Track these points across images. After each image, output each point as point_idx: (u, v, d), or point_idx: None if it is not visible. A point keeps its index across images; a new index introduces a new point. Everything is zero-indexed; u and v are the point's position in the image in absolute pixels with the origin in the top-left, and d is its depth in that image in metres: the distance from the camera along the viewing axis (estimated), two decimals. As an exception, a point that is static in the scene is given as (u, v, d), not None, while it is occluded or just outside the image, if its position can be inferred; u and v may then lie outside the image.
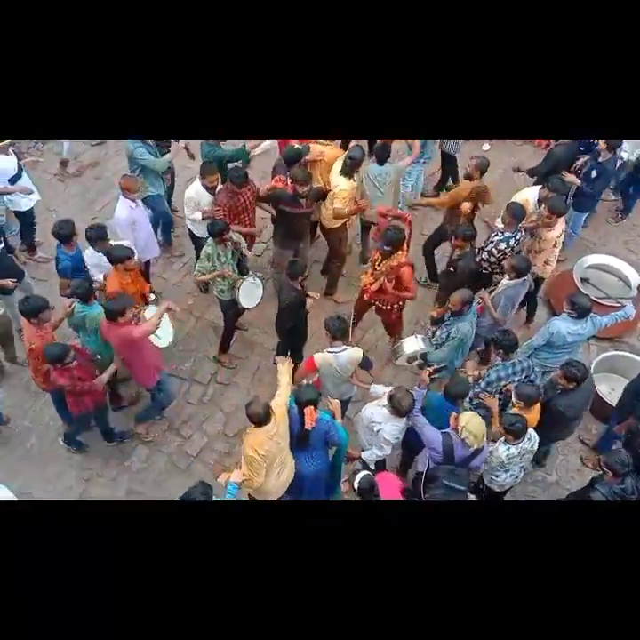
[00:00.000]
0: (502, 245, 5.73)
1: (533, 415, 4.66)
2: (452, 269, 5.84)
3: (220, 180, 6.05)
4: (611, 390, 5.86)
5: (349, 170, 6.05)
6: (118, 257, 5.27)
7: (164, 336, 5.48)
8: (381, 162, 6.20)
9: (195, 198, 6.02)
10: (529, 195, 6.13)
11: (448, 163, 7.54)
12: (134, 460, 5.77)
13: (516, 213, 5.67)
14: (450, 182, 7.64)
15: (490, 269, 5.85)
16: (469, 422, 4.38)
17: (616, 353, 6.18)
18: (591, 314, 5.16)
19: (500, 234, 5.79)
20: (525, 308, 6.45)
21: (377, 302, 5.89)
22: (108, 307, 4.86)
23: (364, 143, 7.16)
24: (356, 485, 4.20)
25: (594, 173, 6.49)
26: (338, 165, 6.13)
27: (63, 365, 4.76)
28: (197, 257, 6.10)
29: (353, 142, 6.59)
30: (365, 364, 5.03)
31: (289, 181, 5.95)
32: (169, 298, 6.14)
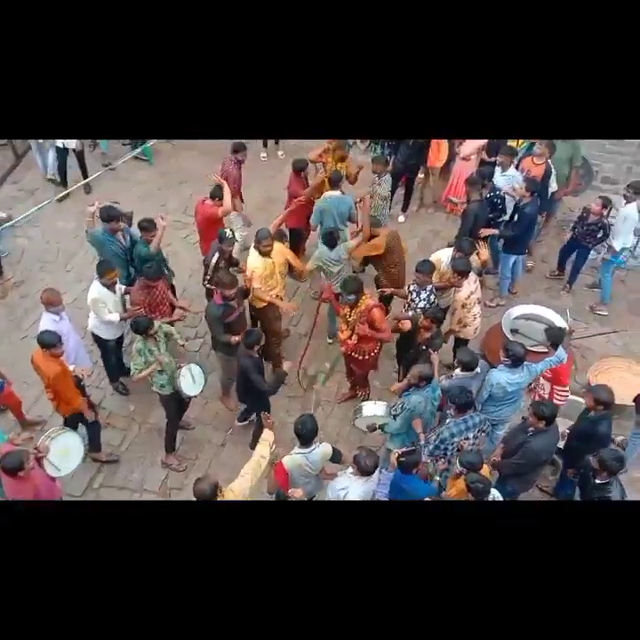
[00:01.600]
0: (422, 303, 6.05)
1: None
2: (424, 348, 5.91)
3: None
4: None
5: (264, 250, 6.21)
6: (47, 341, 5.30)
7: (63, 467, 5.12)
8: (332, 247, 6.45)
9: (100, 299, 5.99)
10: (441, 255, 6.51)
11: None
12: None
13: (423, 269, 5.97)
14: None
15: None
16: None
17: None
18: (526, 362, 5.33)
19: (416, 294, 6.07)
20: None
21: (355, 354, 6.07)
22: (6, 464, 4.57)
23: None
24: None
25: (515, 217, 7.09)
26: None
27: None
28: (105, 360, 6.44)
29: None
30: (335, 457, 4.95)
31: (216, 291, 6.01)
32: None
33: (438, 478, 5.25)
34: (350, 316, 5.97)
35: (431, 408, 5.37)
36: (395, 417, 5.38)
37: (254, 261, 6.24)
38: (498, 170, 7.44)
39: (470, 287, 6.14)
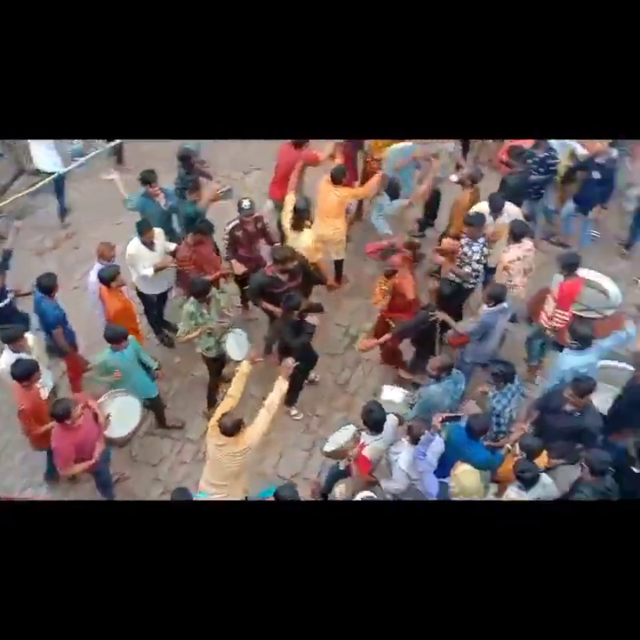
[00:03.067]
0: (477, 256, 5.98)
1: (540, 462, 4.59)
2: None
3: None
4: (600, 400, 5.76)
5: (299, 223, 6.24)
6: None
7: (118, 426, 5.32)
8: (393, 197, 6.57)
9: (137, 255, 6.11)
10: (483, 207, 6.33)
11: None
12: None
13: (474, 221, 5.91)
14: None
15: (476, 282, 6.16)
16: (463, 474, 4.38)
17: (607, 363, 6.10)
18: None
19: (468, 247, 5.99)
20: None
21: (391, 320, 6.04)
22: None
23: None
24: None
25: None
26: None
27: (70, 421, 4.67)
28: (148, 316, 6.53)
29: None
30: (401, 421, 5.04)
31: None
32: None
33: (509, 446, 5.01)
34: (385, 285, 5.97)
35: (450, 402, 5.18)
36: (411, 406, 5.30)
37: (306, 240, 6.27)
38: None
39: (517, 252, 5.93)
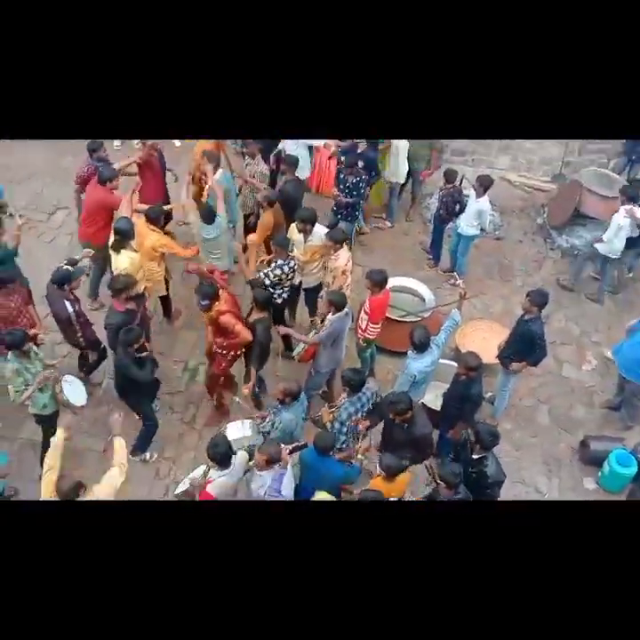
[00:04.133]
0: (277, 271, 6.13)
1: (398, 486, 4.80)
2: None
3: None
4: (435, 396, 6.30)
5: (120, 245, 6.06)
6: None
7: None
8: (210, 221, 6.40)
9: None
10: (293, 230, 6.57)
11: None
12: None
13: (280, 243, 6.16)
14: None
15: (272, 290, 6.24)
16: None
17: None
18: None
19: (280, 268, 6.16)
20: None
21: (214, 345, 5.92)
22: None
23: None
24: None
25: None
26: None
27: None
28: None
29: None
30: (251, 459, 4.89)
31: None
32: None
33: (362, 457, 5.22)
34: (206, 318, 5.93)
35: (301, 423, 5.32)
36: (264, 435, 5.24)
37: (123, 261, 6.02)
38: None
39: (347, 254, 6.29)
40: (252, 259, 6.40)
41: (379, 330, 6.22)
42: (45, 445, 5.67)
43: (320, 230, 6.53)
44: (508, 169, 9.34)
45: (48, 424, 5.61)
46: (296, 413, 5.17)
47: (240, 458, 4.77)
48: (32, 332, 5.63)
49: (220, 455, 4.55)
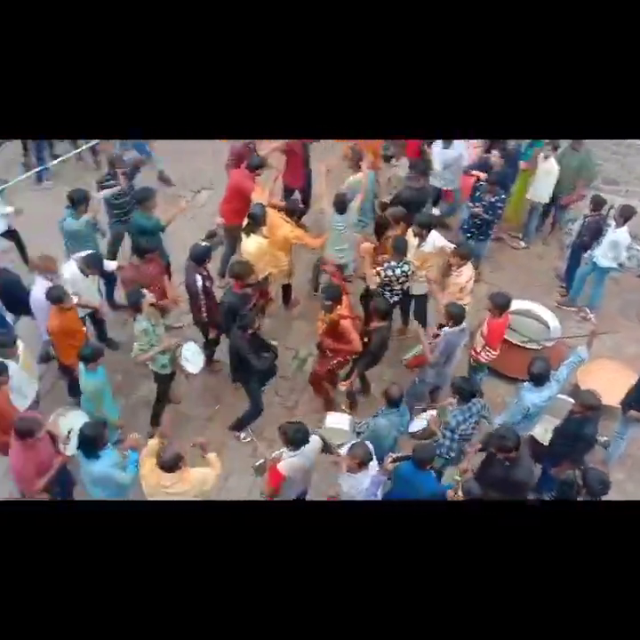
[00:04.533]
0: (389, 272, 6.08)
1: None
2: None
3: None
4: (544, 430, 5.98)
5: (251, 229, 6.25)
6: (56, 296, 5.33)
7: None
8: (341, 211, 6.50)
9: (68, 280, 5.83)
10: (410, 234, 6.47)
11: None
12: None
13: (398, 245, 6.07)
14: None
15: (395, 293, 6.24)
16: None
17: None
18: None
19: (391, 270, 6.11)
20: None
21: (323, 344, 5.97)
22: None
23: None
24: None
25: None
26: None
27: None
28: None
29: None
30: (326, 448, 4.97)
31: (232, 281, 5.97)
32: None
33: (458, 478, 5.01)
34: (324, 318, 5.94)
35: (396, 434, 5.18)
36: (358, 434, 5.24)
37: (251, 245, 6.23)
38: None
39: (470, 273, 6.13)
40: (368, 263, 6.28)
41: (495, 356, 5.98)
42: (158, 403, 6.09)
43: (436, 240, 6.40)
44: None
45: (163, 384, 5.98)
46: (391, 421, 5.10)
47: (313, 442, 4.81)
48: (162, 301, 6.01)
49: (297, 438, 4.65)
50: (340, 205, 6.51)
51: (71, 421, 5.10)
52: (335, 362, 6.01)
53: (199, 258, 5.95)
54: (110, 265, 6.39)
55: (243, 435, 6.27)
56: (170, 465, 4.35)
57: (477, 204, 7.11)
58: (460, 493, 4.55)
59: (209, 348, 6.49)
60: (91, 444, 4.51)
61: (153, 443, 4.74)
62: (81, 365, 5.19)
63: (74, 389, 5.69)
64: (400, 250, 6.11)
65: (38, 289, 5.67)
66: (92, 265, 5.90)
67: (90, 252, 6.05)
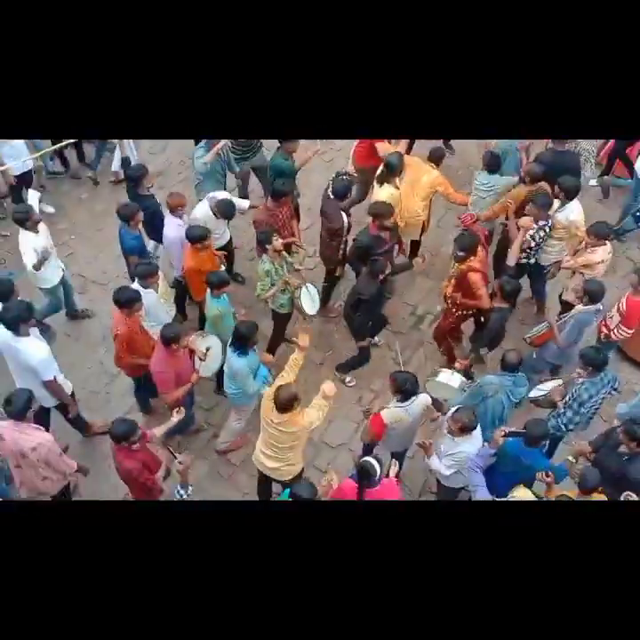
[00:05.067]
0: (541, 232, 5.83)
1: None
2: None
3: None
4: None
5: (385, 178, 6.08)
6: (196, 236, 5.50)
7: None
8: (492, 170, 6.25)
9: (200, 220, 5.95)
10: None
11: None
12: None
13: (542, 203, 5.71)
14: None
15: (531, 255, 5.99)
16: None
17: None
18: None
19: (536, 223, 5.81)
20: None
21: (448, 302, 5.90)
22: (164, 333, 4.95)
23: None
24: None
25: None
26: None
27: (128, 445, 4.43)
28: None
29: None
30: (435, 404, 4.97)
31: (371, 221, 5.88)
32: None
33: (572, 459, 4.76)
34: (453, 269, 5.81)
35: (504, 400, 4.90)
36: (464, 391, 5.12)
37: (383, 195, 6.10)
38: None
39: (605, 253, 5.71)
40: (519, 239, 5.90)
41: (629, 335, 5.61)
42: (274, 342, 6.31)
43: (572, 212, 5.89)
44: None
45: (280, 322, 6.15)
46: (501, 383, 4.88)
47: (421, 398, 4.80)
48: (288, 240, 6.11)
49: (406, 389, 4.66)
50: (494, 163, 6.21)
51: (209, 342, 5.45)
52: (457, 315, 5.88)
53: (342, 193, 5.96)
54: (242, 204, 6.50)
55: (348, 379, 6.36)
56: (283, 405, 4.46)
57: None
58: (575, 478, 4.36)
59: (327, 291, 6.53)
60: (243, 339, 4.97)
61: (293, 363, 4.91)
62: (208, 292, 5.48)
63: None
64: (545, 208, 5.75)
65: (169, 226, 5.93)
66: (223, 213, 6.01)
67: (224, 197, 6.10)
